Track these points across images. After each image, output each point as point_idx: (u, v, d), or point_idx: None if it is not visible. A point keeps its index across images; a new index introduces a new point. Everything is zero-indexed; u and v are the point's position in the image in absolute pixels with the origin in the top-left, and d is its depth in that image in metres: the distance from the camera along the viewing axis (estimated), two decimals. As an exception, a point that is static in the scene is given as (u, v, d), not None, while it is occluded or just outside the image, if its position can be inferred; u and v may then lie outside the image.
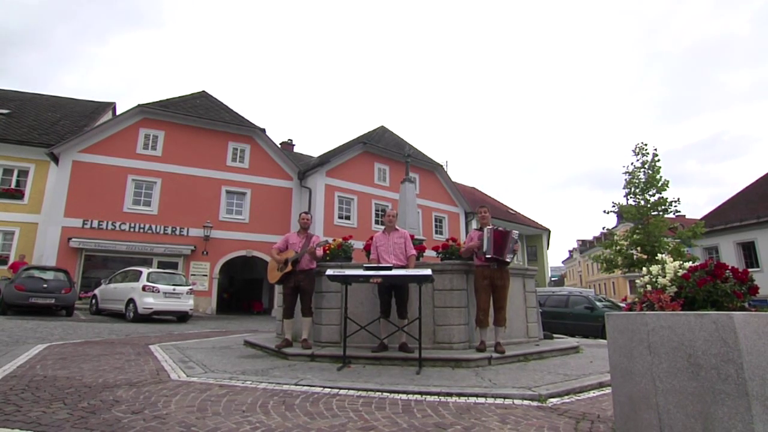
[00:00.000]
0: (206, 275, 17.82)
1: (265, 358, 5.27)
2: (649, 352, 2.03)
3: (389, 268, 4.60)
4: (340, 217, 21.20)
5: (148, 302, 11.37)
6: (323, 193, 20.62)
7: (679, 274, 2.26)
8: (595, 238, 60.81)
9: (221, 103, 21.31)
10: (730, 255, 23.12)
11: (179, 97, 20.04)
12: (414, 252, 5.24)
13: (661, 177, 16.04)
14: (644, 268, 2.66)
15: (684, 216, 15.60)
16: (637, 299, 2.53)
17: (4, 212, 16.57)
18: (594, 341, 8.35)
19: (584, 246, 65.41)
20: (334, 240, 6.78)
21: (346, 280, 4.71)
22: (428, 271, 4.45)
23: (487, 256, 5.14)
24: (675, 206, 15.85)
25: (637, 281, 2.68)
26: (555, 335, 7.27)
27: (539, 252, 33.31)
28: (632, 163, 16.77)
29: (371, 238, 6.85)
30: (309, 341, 5.46)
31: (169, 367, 4.50)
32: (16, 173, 17.22)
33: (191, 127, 18.73)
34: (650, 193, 16.19)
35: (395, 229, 5.42)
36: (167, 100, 19.21)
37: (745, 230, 22.72)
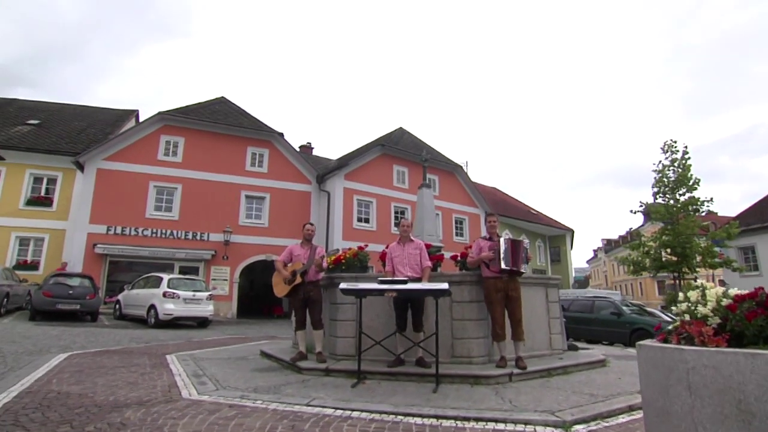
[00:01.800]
0: (227, 280, 18.00)
1: (279, 372, 5.17)
2: (689, 393, 1.81)
3: (404, 282, 4.43)
4: (359, 221, 21.12)
5: (169, 308, 11.49)
6: (342, 197, 20.57)
7: (723, 303, 2.02)
8: (621, 237, 59.11)
9: (240, 108, 21.53)
10: (766, 255, 22.02)
11: (198, 103, 20.34)
12: (429, 263, 5.05)
13: (691, 175, 15.35)
14: (680, 294, 2.41)
15: (716, 214, 14.88)
16: (672, 327, 2.29)
17: (35, 219, 17.13)
18: (621, 351, 7.98)
19: (609, 245, 63.67)
20: (349, 249, 6.67)
21: (360, 293, 4.56)
22: (445, 285, 4.27)
23: (506, 267, 4.91)
24: (707, 206, 15.14)
25: (673, 308, 2.43)
26: (579, 345, 6.94)
27: (563, 253, 32.52)
28: (661, 161, 16.13)
29: (388, 245, 6.72)
30: (323, 354, 5.34)
31: (181, 383, 4.44)
32: (45, 181, 17.78)
33: (210, 132, 18.96)
34: (680, 192, 15.51)
35: (410, 239, 5.25)
36: (187, 107, 19.51)
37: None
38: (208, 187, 18.37)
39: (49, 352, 6.72)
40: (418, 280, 4.98)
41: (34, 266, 16.80)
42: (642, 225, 52.49)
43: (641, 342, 2.26)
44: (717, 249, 15.26)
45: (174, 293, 11.74)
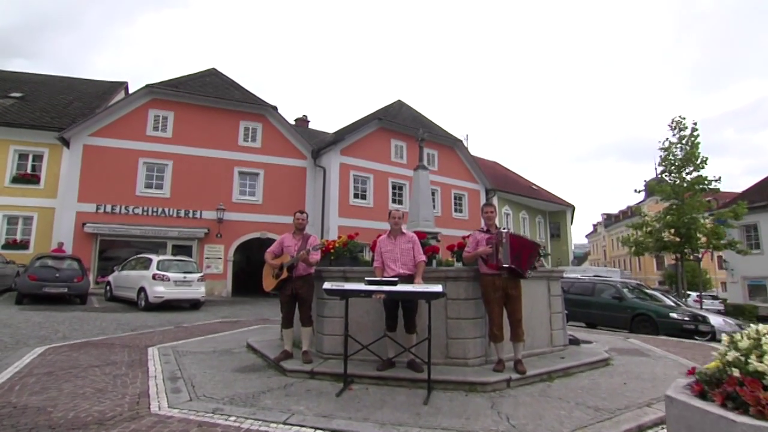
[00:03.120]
0: (221, 258, 17.72)
1: (261, 373, 4.85)
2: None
3: (394, 283, 4.04)
4: (356, 197, 20.65)
5: (159, 291, 11.21)
6: (338, 172, 20.03)
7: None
8: (621, 212, 58.83)
9: (231, 80, 20.70)
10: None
11: (188, 75, 19.51)
12: (423, 258, 4.64)
13: (699, 153, 14.76)
14: (724, 336, 2.00)
15: (718, 190, 14.35)
16: (707, 370, 1.89)
17: (22, 197, 16.67)
18: (623, 342, 7.69)
19: (609, 220, 63.51)
20: (339, 238, 6.26)
21: (345, 295, 4.18)
22: (438, 288, 3.88)
23: (504, 265, 4.52)
24: (715, 185, 14.61)
25: (713, 352, 2.02)
26: (580, 338, 6.63)
27: (563, 229, 32.23)
28: (668, 139, 15.49)
29: (378, 237, 6.31)
30: (310, 353, 5.01)
31: (154, 390, 4.12)
32: (31, 158, 17.21)
33: (201, 106, 18.24)
34: (687, 170, 14.97)
35: (402, 232, 4.82)
36: (176, 79, 18.71)
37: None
38: (200, 163, 17.82)
39: (26, 344, 6.42)
40: (411, 277, 4.60)
41: (24, 245, 16.46)
42: (643, 200, 51.95)
43: (672, 395, 1.87)
44: (724, 230, 14.81)
45: (164, 275, 11.43)
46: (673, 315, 10.02)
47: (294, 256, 5.03)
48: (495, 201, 27.34)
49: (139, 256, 13.06)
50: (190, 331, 8.19)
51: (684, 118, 15.13)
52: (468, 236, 5.84)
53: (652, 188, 15.93)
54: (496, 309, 4.56)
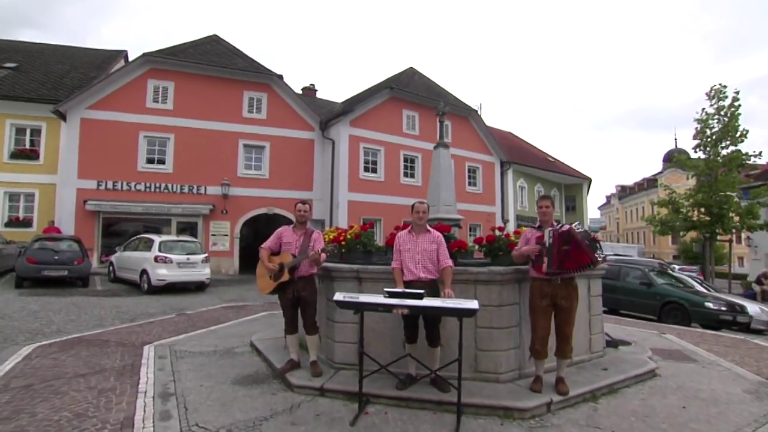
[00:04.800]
0: (227, 235, 17.24)
1: (265, 387, 4.29)
2: None
3: (420, 296, 3.38)
4: (366, 170, 19.84)
5: (161, 274, 10.76)
6: (347, 145, 19.16)
7: None
8: (636, 184, 57.28)
9: (234, 48, 19.59)
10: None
11: (188, 42, 18.47)
12: (450, 263, 3.94)
13: (739, 126, 13.54)
14: None
15: (757, 167, 13.32)
16: None
17: (22, 173, 16.15)
18: (661, 339, 7.04)
19: (624, 192, 61.99)
20: (350, 228, 5.58)
21: (361, 308, 3.53)
22: (474, 305, 3.22)
23: (546, 271, 3.83)
24: (755, 160, 13.49)
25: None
26: (617, 339, 6.00)
27: (579, 203, 31.23)
28: (704, 109, 14.22)
29: (396, 229, 5.61)
30: (318, 365, 4.43)
31: (140, 416, 3.57)
32: (29, 132, 16.58)
33: (202, 76, 17.29)
34: (723, 144, 13.81)
35: (427, 230, 4.11)
36: (175, 47, 17.69)
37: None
38: (203, 136, 17.07)
39: (14, 342, 5.98)
40: (433, 282, 3.93)
41: (27, 223, 16.09)
42: (661, 172, 50.48)
43: None
44: (759, 209, 13.77)
45: (166, 257, 10.96)
46: (709, 304, 9.31)
47: (297, 256, 4.38)
48: (510, 174, 26.36)
49: (141, 236, 12.59)
50: (192, 321, 7.73)
51: (725, 87, 13.83)
52: (500, 226, 5.18)
53: (682, 163, 14.86)
54: (541, 320, 3.91)
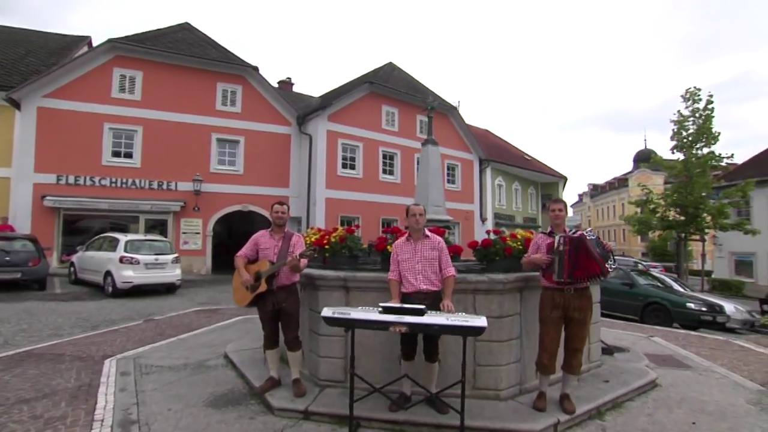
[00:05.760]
0: (199, 233, 16.46)
1: (242, 410, 3.84)
2: None
3: (420, 312, 3.01)
4: (344, 167, 19.40)
5: (127, 276, 10.04)
6: (325, 140, 18.66)
7: None
8: (608, 183, 58.75)
9: (207, 37, 18.73)
10: (761, 210, 21.32)
11: (157, 30, 17.50)
12: (453, 272, 3.58)
13: (712, 127, 13.81)
14: None
15: (728, 168, 13.63)
16: None
17: (-28, 165, 14.89)
18: (654, 346, 6.92)
19: (596, 191, 63.49)
20: (334, 230, 5.16)
21: (353, 326, 3.14)
22: (482, 322, 2.88)
23: (556, 279, 3.55)
24: (726, 162, 13.81)
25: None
26: (611, 345, 5.82)
27: (554, 201, 31.53)
28: (680, 111, 14.45)
29: (385, 231, 5.24)
30: (302, 383, 4.02)
31: (95, 451, 3.08)
32: (-22, 120, 15.29)
33: (173, 65, 16.40)
34: (698, 146, 14.06)
35: (426, 235, 3.74)
36: (143, 33, 16.71)
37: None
38: (174, 129, 16.21)
39: (-48, 358, 5.29)
40: (435, 294, 3.57)
41: (-23, 220, 14.84)
42: (630, 172, 51.92)
43: None
44: (729, 209, 14.11)
45: (133, 258, 10.23)
46: (690, 305, 9.37)
47: (275, 263, 3.94)
48: (488, 172, 26.36)
49: (105, 235, 11.74)
50: (161, 329, 7.14)
51: (699, 90, 14.07)
52: (496, 230, 4.89)
53: (659, 163, 15.06)
54: (551, 332, 3.61)
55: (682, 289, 11.07)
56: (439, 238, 3.73)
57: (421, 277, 3.57)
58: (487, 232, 4.95)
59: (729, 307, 10.19)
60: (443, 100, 23.55)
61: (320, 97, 24.19)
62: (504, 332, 3.93)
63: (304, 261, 3.92)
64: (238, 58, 18.03)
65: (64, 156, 14.31)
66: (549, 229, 3.87)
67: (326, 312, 3.19)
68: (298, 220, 18.07)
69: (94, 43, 19.97)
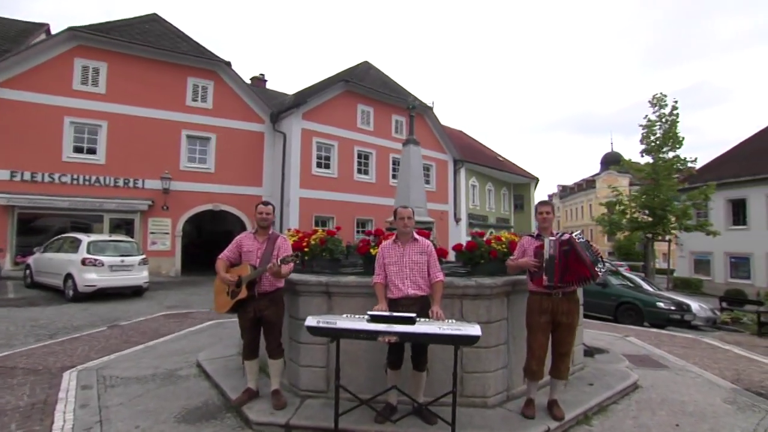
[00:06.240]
0: (168, 233, 15.80)
1: (217, 425, 3.59)
2: None
3: (411, 320, 2.87)
4: (319, 166, 19.08)
5: (90, 279, 9.48)
6: (299, 139, 18.28)
7: None
8: (576, 185, 60.43)
9: (177, 29, 18.03)
10: (719, 211, 22.41)
11: (123, 20, 16.70)
12: (442, 277, 3.47)
13: (678, 132, 14.37)
14: None
15: (693, 171, 14.25)
16: None
17: None
18: (630, 346, 7.04)
19: (565, 192, 65.23)
20: (314, 233, 4.96)
21: (338, 335, 2.97)
22: (476, 331, 2.77)
23: (546, 284, 3.49)
24: (690, 166, 14.39)
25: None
26: (592, 347, 5.87)
27: (526, 203, 32.21)
28: (647, 116, 14.96)
29: (368, 233, 5.08)
30: (282, 394, 3.81)
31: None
32: (-77, 111, 14.15)
33: (140, 58, 15.68)
34: (664, 150, 14.61)
35: (414, 238, 3.61)
36: (107, 23, 15.91)
37: (738, 187, 21.91)
38: (141, 124, 15.50)
39: None
40: (423, 299, 3.44)
41: None
42: (598, 174, 53.59)
43: None
44: (693, 211, 14.75)
45: (96, 260, 9.67)
46: (660, 304, 9.65)
47: (257, 268, 3.72)
48: (462, 173, 26.57)
49: (66, 235, 11.08)
50: (127, 336, 6.74)
51: (665, 96, 14.64)
52: (480, 232, 4.80)
53: (629, 166, 15.54)
54: (539, 337, 3.54)
55: (651, 289, 11.41)
56: (428, 242, 3.61)
57: (409, 281, 3.44)
58: (471, 234, 4.87)
59: (695, 305, 10.58)
60: (419, 100, 23.58)
61: (294, 94, 23.75)
62: (492, 338, 3.85)
63: (286, 267, 3.71)
64: (210, 52, 17.45)
65: (19, 151, 13.43)
66: (536, 232, 3.80)
67: (310, 321, 3.01)
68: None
69: (53, 30, 18.88)
